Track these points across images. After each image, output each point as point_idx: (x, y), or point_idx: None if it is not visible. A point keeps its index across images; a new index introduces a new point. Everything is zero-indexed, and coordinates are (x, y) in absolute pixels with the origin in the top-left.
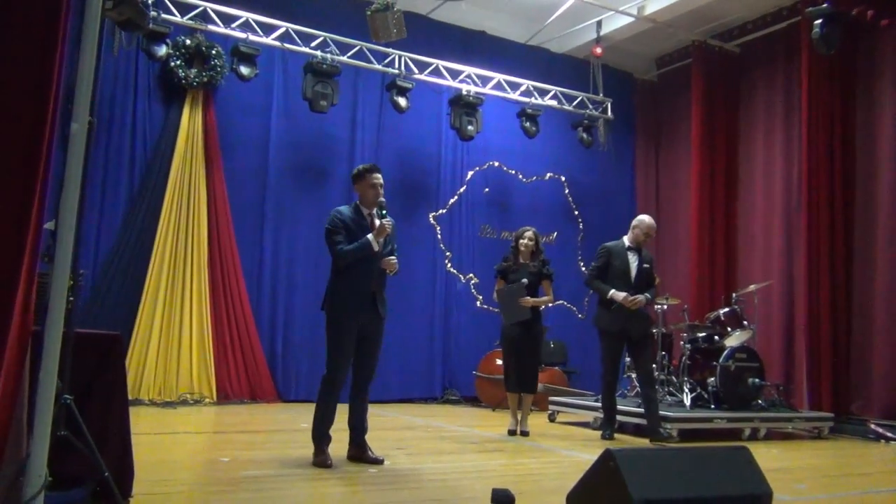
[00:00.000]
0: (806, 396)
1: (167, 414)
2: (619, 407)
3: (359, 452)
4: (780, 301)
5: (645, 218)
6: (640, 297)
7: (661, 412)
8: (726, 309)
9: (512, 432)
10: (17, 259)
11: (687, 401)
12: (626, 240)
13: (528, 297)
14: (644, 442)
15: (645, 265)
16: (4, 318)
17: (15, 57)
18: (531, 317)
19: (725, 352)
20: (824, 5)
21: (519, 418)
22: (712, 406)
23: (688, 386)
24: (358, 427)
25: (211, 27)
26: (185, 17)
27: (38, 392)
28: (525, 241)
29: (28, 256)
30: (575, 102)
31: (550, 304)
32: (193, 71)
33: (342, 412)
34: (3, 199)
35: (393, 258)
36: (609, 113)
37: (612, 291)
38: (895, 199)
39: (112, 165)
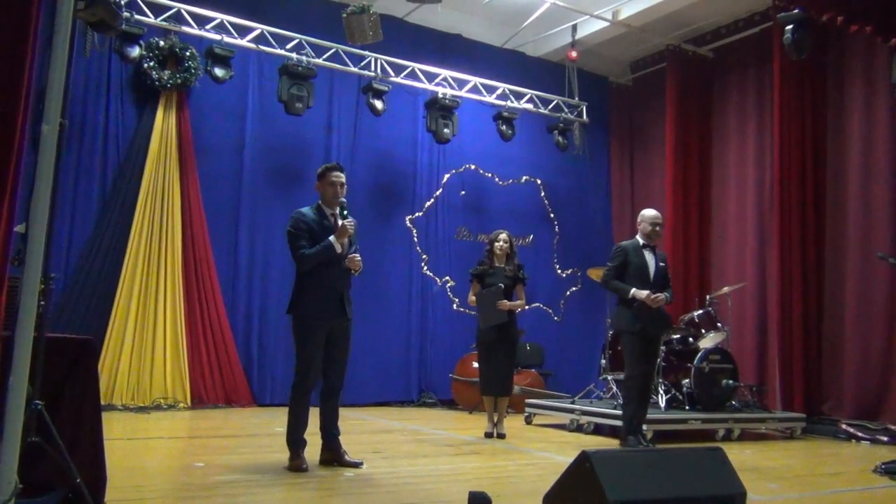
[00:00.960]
0: (779, 397)
1: (140, 419)
2: (596, 409)
3: (333, 456)
4: (754, 303)
5: (646, 211)
6: (662, 295)
7: None
8: (700, 311)
9: (489, 435)
10: None
11: (662, 402)
12: (639, 238)
13: (506, 301)
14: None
15: (661, 264)
16: None
17: None
18: (507, 320)
19: (699, 353)
20: (795, 11)
21: (495, 421)
22: (687, 407)
23: (662, 387)
24: (330, 431)
25: (185, 28)
26: (159, 19)
27: (8, 398)
28: (500, 243)
29: None
30: (550, 106)
31: (525, 308)
32: (167, 73)
33: (316, 416)
34: None
35: (357, 256)
36: (584, 116)
37: (634, 290)
38: (865, 202)
39: (84, 168)
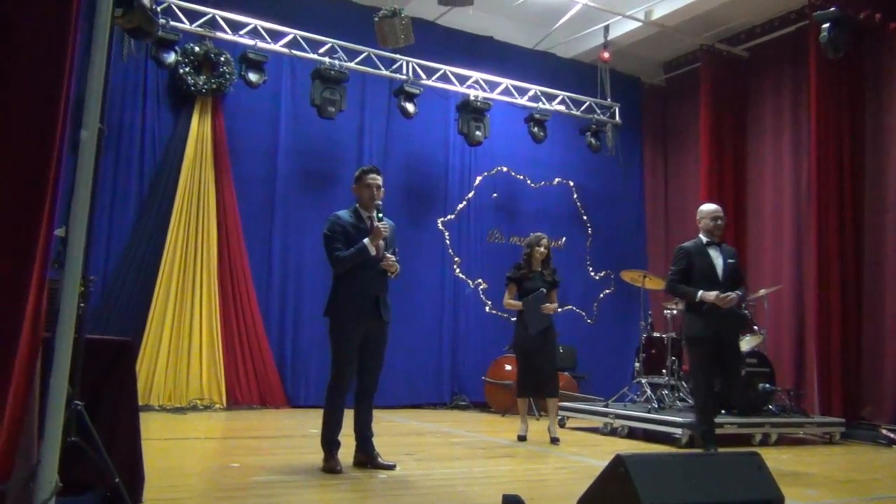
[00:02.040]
0: (817, 402)
1: (177, 420)
2: (630, 412)
3: (367, 458)
4: (791, 305)
5: (705, 206)
6: (733, 295)
7: (670, 417)
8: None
9: (522, 437)
10: (27, 266)
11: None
12: (702, 236)
13: (549, 305)
14: (656, 448)
15: (730, 260)
16: (15, 324)
17: (26, 65)
18: (550, 322)
19: None
20: (832, 9)
21: (548, 425)
22: (723, 412)
23: (690, 393)
24: (364, 433)
25: (219, 34)
26: (194, 25)
27: (49, 398)
28: (541, 248)
29: (38, 263)
30: (583, 107)
31: (559, 311)
32: (202, 78)
33: (350, 418)
34: (14, 206)
35: (392, 258)
36: (617, 118)
37: (701, 292)
38: None
39: (122, 172)
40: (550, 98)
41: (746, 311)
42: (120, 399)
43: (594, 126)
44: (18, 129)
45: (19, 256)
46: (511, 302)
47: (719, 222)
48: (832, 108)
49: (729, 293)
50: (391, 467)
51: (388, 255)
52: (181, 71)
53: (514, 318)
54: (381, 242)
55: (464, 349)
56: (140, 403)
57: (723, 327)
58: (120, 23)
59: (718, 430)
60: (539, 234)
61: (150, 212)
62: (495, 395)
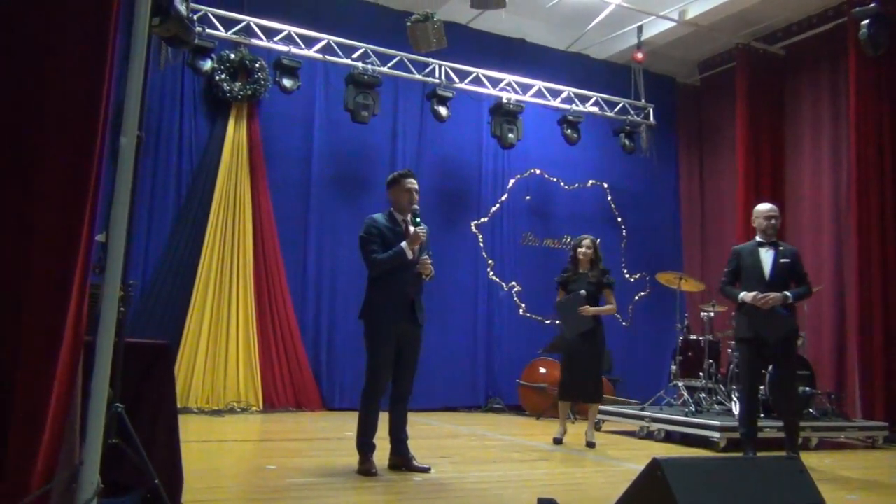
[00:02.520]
0: (859, 405)
1: (215, 422)
2: (666, 415)
3: (401, 461)
4: (831, 307)
5: (759, 206)
6: (774, 295)
7: (707, 421)
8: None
9: (557, 441)
10: (69, 271)
11: (735, 410)
12: (757, 237)
13: (588, 307)
14: (693, 451)
15: (783, 260)
16: (58, 328)
17: (66, 74)
18: (593, 325)
19: None
20: (871, 5)
21: (585, 430)
22: (762, 415)
23: (736, 395)
24: (398, 436)
25: (254, 41)
26: (230, 32)
27: (90, 401)
28: (583, 249)
29: (80, 268)
30: (616, 108)
31: (615, 314)
32: (238, 84)
33: (385, 421)
34: (56, 213)
35: (428, 260)
36: (651, 118)
37: (742, 294)
38: None
39: (160, 178)
40: (584, 99)
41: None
42: (159, 401)
43: (628, 127)
44: (60, 137)
45: (62, 262)
46: None
47: (773, 221)
48: (872, 106)
49: (769, 293)
50: (426, 470)
51: (424, 258)
52: (217, 78)
53: (554, 322)
54: (417, 246)
55: (498, 352)
56: (178, 406)
57: (764, 328)
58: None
59: (760, 434)
60: (583, 235)
61: (188, 217)
62: (530, 398)
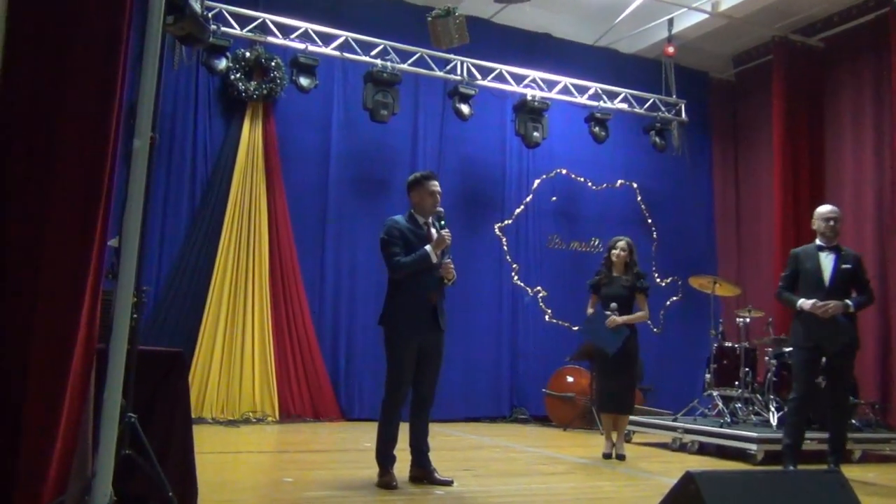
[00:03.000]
0: None
1: (230, 433)
2: (699, 426)
3: (423, 473)
4: (875, 314)
5: (819, 208)
6: (834, 303)
7: (743, 432)
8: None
9: (607, 456)
10: (82, 277)
11: (773, 420)
12: (817, 240)
13: (616, 317)
14: (729, 464)
15: (845, 266)
16: (71, 335)
17: (78, 75)
18: (629, 333)
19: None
20: None
21: (614, 440)
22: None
23: (774, 404)
24: (420, 447)
25: (270, 39)
26: (245, 30)
27: (103, 410)
28: (618, 251)
29: (93, 274)
30: (646, 105)
31: (647, 321)
32: (253, 84)
33: (405, 431)
34: (68, 217)
35: (451, 264)
36: (683, 115)
37: (801, 301)
38: None
39: (174, 181)
40: (612, 96)
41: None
42: (173, 411)
43: (659, 124)
44: (73, 140)
45: (75, 267)
46: (591, 311)
47: (832, 223)
48: None
49: (829, 301)
50: (448, 483)
51: (447, 261)
52: (232, 77)
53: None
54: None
55: (523, 360)
56: (193, 416)
57: (823, 337)
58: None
59: (808, 446)
60: (618, 236)
61: (203, 221)
62: (557, 408)
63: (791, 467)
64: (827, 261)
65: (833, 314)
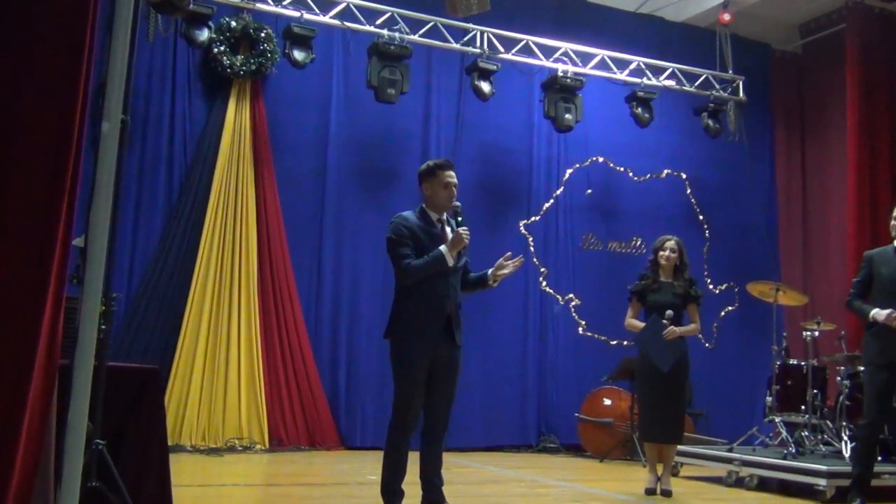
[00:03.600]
0: None
1: (212, 462)
2: (759, 458)
3: None
4: None
5: None
6: None
7: (811, 465)
8: None
9: (650, 491)
10: (41, 282)
11: (846, 451)
12: (895, 241)
13: (675, 328)
14: (794, 502)
15: None
16: (28, 350)
17: (38, 49)
18: (684, 348)
19: None
20: None
21: (659, 474)
22: (879, 458)
23: (847, 432)
24: (431, 480)
25: (259, 5)
26: None
27: (67, 436)
28: (666, 252)
29: (54, 278)
30: (698, 82)
31: (699, 335)
32: (240, 58)
33: (415, 462)
34: (25, 213)
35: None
36: (741, 94)
37: (875, 310)
38: None
39: (148, 170)
40: (658, 72)
41: None
42: (147, 438)
43: (712, 105)
44: (30, 123)
45: (32, 271)
46: (632, 322)
47: None
48: None
49: None
50: None
51: (460, 230)
52: (215, 50)
53: (627, 343)
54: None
55: (553, 379)
56: (170, 443)
57: None
58: None
59: (876, 481)
60: (666, 235)
61: (181, 217)
62: (592, 435)
63: (858, 500)
64: None
65: None
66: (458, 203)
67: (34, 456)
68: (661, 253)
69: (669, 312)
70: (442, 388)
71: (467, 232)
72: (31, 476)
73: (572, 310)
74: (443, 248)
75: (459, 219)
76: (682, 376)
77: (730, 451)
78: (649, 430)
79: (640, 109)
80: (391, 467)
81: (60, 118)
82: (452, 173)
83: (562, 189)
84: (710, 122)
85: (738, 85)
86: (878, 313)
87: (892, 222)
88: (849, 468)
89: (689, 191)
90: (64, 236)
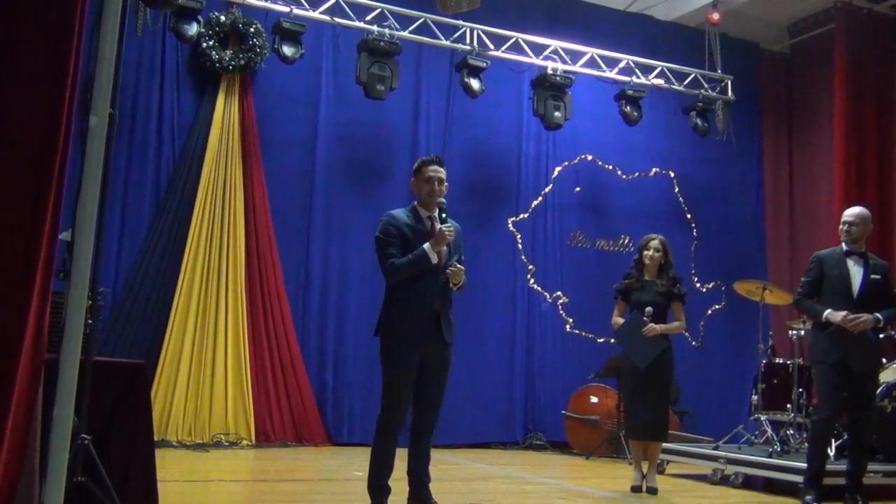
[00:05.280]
0: None
1: (198, 458)
2: (744, 456)
3: None
4: None
5: (848, 210)
6: (866, 317)
7: (796, 463)
8: (880, 335)
9: (636, 489)
10: (27, 276)
11: (831, 450)
12: (843, 244)
13: (655, 325)
14: (778, 500)
15: (874, 276)
16: (14, 344)
17: (25, 42)
18: (666, 345)
19: (880, 389)
20: None
21: (645, 471)
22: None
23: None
24: (419, 477)
25: (249, 0)
26: None
27: (53, 431)
28: (650, 252)
29: (40, 272)
30: (687, 81)
31: (684, 333)
32: (229, 53)
33: (402, 458)
34: (11, 206)
35: (458, 266)
36: (729, 93)
37: (828, 311)
38: None
39: (135, 165)
40: (647, 70)
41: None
42: (133, 433)
43: (701, 104)
44: (17, 116)
45: (18, 265)
46: (618, 321)
47: (844, 227)
48: None
49: (861, 315)
50: None
51: (455, 265)
52: (204, 45)
53: (614, 341)
54: (444, 248)
55: (540, 377)
56: (156, 438)
57: (851, 353)
58: None
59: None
60: (651, 234)
61: (168, 211)
62: (579, 432)
63: (812, 500)
64: (856, 269)
65: (863, 329)
66: (442, 200)
67: (20, 450)
68: (646, 252)
69: (649, 309)
70: (431, 386)
71: (450, 228)
72: (16, 469)
73: (560, 307)
74: (426, 245)
75: (444, 215)
76: (666, 374)
77: (715, 448)
78: (634, 427)
79: (628, 108)
80: (378, 464)
81: (48, 112)
82: (437, 167)
83: (550, 186)
84: (699, 121)
85: (726, 84)
86: (833, 315)
87: (842, 226)
88: (836, 467)
89: (677, 189)
90: (51, 230)
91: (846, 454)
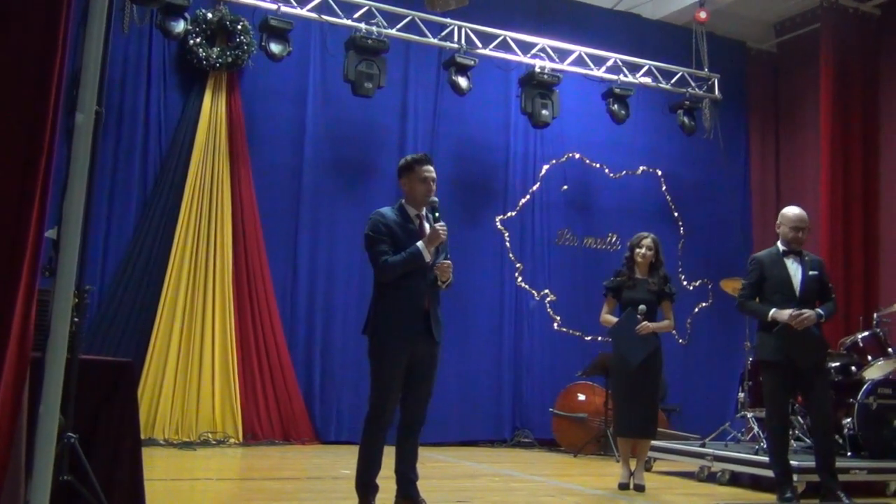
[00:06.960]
0: None
1: (185, 456)
2: (731, 453)
3: None
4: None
5: (787, 210)
6: (809, 313)
7: None
8: (866, 333)
9: (623, 486)
10: (13, 274)
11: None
12: (779, 244)
13: (648, 323)
14: (763, 497)
15: (812, 272)
16: (0, 341)
17: (11, 39)
18: (657, 344)
19: (865, 386)
20: None
21: (632, 469)
22: (848, 453)
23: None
24: (407, 475)
25: None
26: None
27: (39, 430)
28: (643, 250)
29: (26, 270)
30: (674, 79)
31: (672, 331)
32: (216, 50)
33: (390, 456)
34: None
35: (447, 263)
36: (716, 92)
37: (773, 311)
38: None
39: (122, 163)
40: (634, 69)
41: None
42: (120, 431)
43: (688, 102)
44: (2, 113)
45: (4, 263)
46: (608, 318)
47: (800, 234)
48: None
49: (805, 311)
50: None
51: (443, 261)
52: (191, 42)
53: (602, 338)
54: (435, 248)
55: (528, 375)
56: (143, 437)
57: (797, 351)
58: None
59: (844, 476)
60: (643, 233)
61: (155, 210)
62: (566, 430)
63: (790, 496)
64: (795, 268)
65: (808, 325)
66: (435, 198)
67: (5, 449)
68: (638, 250)
69: (642, 307)
70: (420, 384)
71: (444, 227)
72: (1, 469)
73: (547, 305)
74: (420, 244)
75: (436, 214)
76: (655, 372)
77: (702, 446)
78: (623, 425)
79: (616, 106)
80: (366, 462)
81: (34, 109)
82: (430, 167)
83: (538, 185)
84: (686, 120)
85: (713, 83)
86: (779, 313)
87: (793, 232)
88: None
89: (664, 187)
90: (36, 228)
91: (811, 450)
